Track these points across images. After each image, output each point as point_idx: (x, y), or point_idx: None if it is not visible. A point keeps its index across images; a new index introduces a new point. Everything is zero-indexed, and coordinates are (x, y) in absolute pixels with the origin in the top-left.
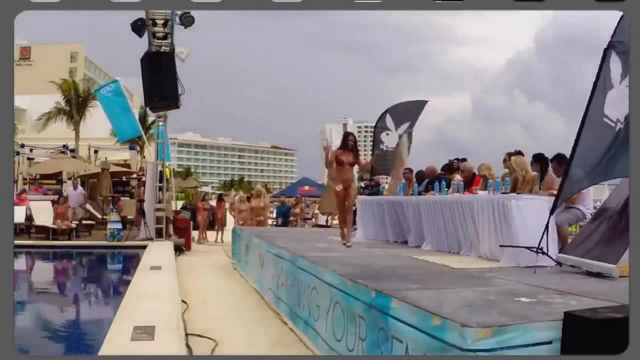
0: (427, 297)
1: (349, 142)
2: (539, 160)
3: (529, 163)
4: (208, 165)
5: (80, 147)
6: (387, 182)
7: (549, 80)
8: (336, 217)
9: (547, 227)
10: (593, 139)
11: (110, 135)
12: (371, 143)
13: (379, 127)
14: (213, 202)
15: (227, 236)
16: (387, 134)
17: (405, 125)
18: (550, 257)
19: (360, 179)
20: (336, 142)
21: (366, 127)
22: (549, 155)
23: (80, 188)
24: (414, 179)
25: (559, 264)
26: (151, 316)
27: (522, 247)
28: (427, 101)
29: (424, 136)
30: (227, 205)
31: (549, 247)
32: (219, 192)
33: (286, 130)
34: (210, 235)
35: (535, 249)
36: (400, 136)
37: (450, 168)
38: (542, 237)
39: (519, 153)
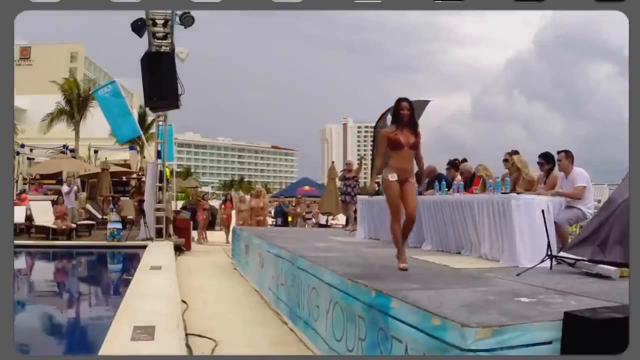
0: (427, 297)
1: (402, 114)
2: (549, 159)
3: (537, 162)
4: (208, 165)
5: (80, 147)
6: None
7: (548, 80)
8: (336, 216)
9: (546, 225)
10: None
11: (110, 135)
12: (371, 143)
13: (380, 127)
14: (212, 202)
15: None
16: None
17: None
18: (564, 261)
19: (343, 177)
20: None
21: (366, 127)
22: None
23: (70, 187)
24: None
25: (570, 264)
26: (151, 316)
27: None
28: (429, 101)
29: (424, 136)
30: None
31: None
32: (225, 192)
33: (286, 130)
34: (210, 235)
35: (547, 257)
36: None
37: (454, 164)
38: (548, 240)
39: (515, 152)
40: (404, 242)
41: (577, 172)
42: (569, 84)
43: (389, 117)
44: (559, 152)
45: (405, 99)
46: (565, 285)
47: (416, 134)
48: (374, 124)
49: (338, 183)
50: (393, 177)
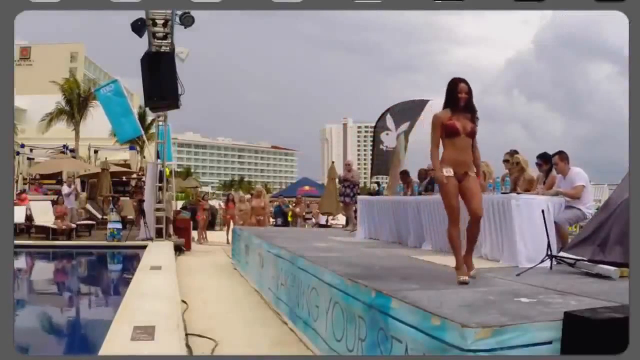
0: (427, 297)
1: (459, 98)
2: (547, 160)
3: (535, 163)
4: (208, 165)
5: (80, 147)
6: (386, 182)
7: (548, 80)
8: (336, 217)
9: (546, 225)
10: None
11: (110, 135)
12: (371, 143)
13: (379, 126)
14: (212, 202)
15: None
16: (387, 134)
17: (405, 125)
18: (564, 261)
19: (341, 180)
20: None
21: (366, 127)
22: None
23: (72, 186)
24: (412, 181)
25: (570, 264)
26: (151, 316)
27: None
28: (428, 100)
29: (424, 136)
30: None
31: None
32: (226, 192)
33: (286, 130)
34: (210, 235)
35: (547, 257)
36: (398, 136)
37: None
38: (548, 240)
39: (515, 152)
40: (470, 249)
41: (575, 171)
42: (569, 84)
43: (389, 117)
44: (552, 156)
45: (463, 80)
46: (565, 285)
47: (473, 121)
48: (374, 124)
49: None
50: (448, 172)
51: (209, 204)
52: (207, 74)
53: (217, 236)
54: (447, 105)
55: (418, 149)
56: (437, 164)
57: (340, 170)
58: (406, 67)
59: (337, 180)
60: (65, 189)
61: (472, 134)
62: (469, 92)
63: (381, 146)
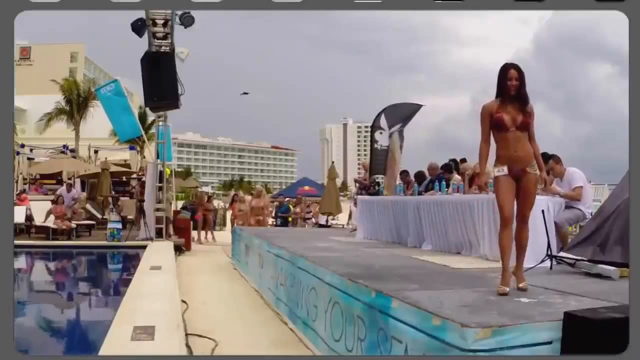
0: (427, 297)
1: (508, 86)
2: (546, 160)
3: None
4: (208, 165)
5: (80, 147)
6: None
7: (548, 81)
8: (336, 216)
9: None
10: None
11: (110, 135)
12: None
13: (375, 126)
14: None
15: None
16: (381, 133)
17: (398, 126)
18: (564, 261)
19: (356, 181)
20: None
21: (366, 127)
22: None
23: (73, 191)
24: (412, 180)
25: (570, 264)
26: (151, 316)
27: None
28: (422, 105)
29: (424, 136)
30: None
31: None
32: (226, 192)
33: (286, 130)
34: (209, 235)
35: (547, 257)
36: (391, 134)
37: (449, 168)
38: (548, 240)
39: None
40: (520, 259)
41: (572, 171)
42: (568, 84)
43: (383, 118)
44: (547, 161)
45: (514, 65)
46: (565, 285)
47: (524, 111)
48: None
49: (338, 183)
50: (501, 170)
51: (213, 204)
52: (208, 73)
53: (217, 236)
54: (497, 94)
55: (416, 149)
56: (483, 167)
57: (340, 171)
58: (407, 67)
59: (336, 180)
60: (63, 191)
61: (523, 127)
62: (519, 78)
63: (376, 145)
